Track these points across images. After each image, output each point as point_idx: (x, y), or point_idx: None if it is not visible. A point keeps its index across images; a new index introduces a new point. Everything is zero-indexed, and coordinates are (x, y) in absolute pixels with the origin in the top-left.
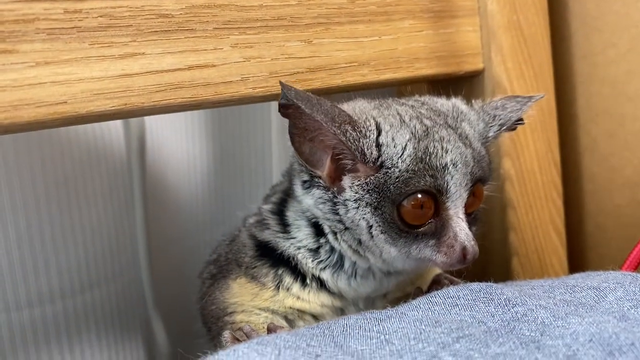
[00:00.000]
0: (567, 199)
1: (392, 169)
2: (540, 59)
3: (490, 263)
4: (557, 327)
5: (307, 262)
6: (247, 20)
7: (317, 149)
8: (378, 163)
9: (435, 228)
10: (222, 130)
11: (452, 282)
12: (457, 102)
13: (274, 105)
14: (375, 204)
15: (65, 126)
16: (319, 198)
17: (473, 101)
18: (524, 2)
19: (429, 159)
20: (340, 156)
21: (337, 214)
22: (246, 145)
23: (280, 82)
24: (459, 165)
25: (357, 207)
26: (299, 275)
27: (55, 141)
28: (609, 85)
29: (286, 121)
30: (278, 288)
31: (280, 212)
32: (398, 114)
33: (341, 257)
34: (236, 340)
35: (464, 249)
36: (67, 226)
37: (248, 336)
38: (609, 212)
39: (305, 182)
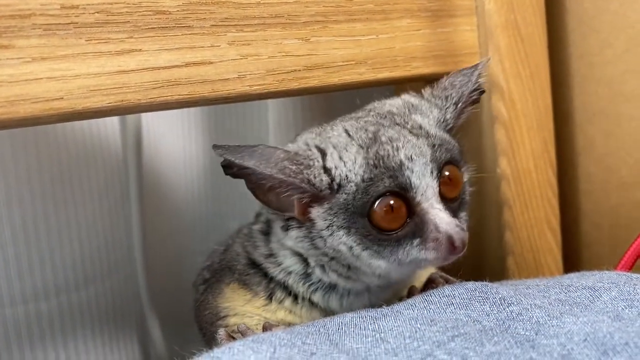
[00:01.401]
0: (562, 198)
1: (349, 186)
2: (537, 58)
3: (486, 262)
4: (552, 326)
5: (298, 286)
6: (245, 18)
7: (281, 194)
8: (334, 186)
9: (416, 226)
10: (219, 128)
11: (447, 281)
12: (407, 97)
13: (271, 103)
14: (347, 224)
15: (62, 122)
16: (297, 237)
17: (422, 90)
18: (522, 2)
19: (383, 162)
20: (295, 192)
21: (318, 247)
22: (243, 142)
23: (213, 145)
24: (415, 158)
25: (332, 234)
26: (291, 292)
27: (51, 137)
28: (605, 86)
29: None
30: (270, 299)
31: (268, 233)
32: (344, 130)
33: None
34: (231, 338)
35: (449, 238)
36: (62, 222)
37: (243, 335)
38: (605, 212)
39: (282, 226)
